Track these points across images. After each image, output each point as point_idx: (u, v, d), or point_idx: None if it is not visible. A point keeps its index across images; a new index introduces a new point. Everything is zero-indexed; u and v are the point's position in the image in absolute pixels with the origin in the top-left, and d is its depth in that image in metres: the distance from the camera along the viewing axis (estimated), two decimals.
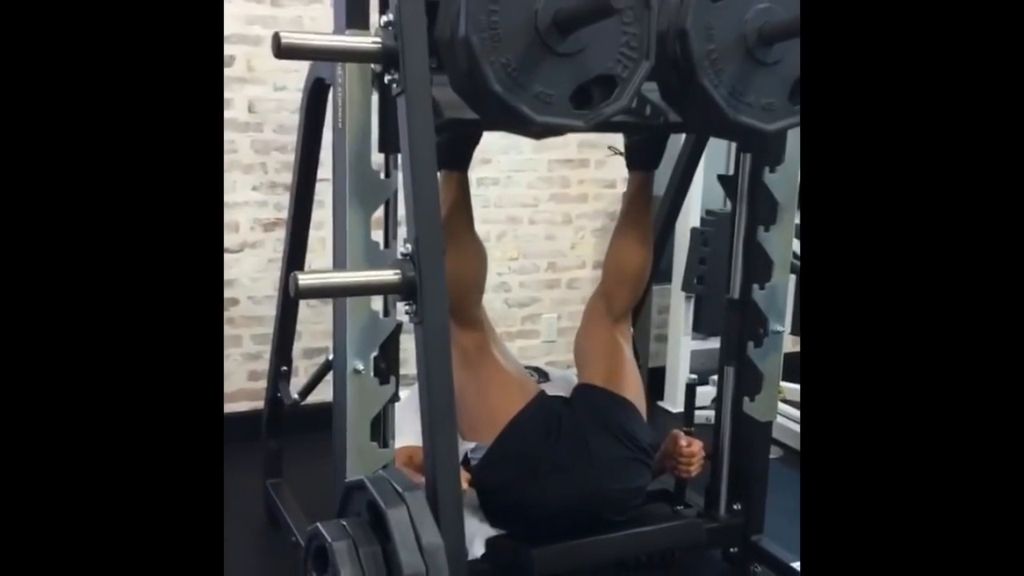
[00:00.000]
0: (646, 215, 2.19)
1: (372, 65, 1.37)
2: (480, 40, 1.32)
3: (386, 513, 1.16)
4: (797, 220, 2.03)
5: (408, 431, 1.76)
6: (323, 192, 2.05)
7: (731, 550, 2.17)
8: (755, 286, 2.00)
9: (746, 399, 2.03)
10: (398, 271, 1.28)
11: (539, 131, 1.45)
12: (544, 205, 3.36)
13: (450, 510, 1.26)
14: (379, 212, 1.56)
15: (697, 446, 2.07)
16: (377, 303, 1.61)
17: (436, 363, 1.28)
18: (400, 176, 1.55)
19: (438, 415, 1.28)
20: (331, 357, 1.68)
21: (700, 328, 3.42)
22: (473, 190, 2.05)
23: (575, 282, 3.49)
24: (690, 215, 3.15)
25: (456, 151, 1.96)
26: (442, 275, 1.29)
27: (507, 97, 1.35)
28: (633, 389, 2.08)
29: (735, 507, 2.12)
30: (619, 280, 2.17)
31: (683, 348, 3.44)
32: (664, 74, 1.55)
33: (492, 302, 3.21)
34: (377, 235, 1.54)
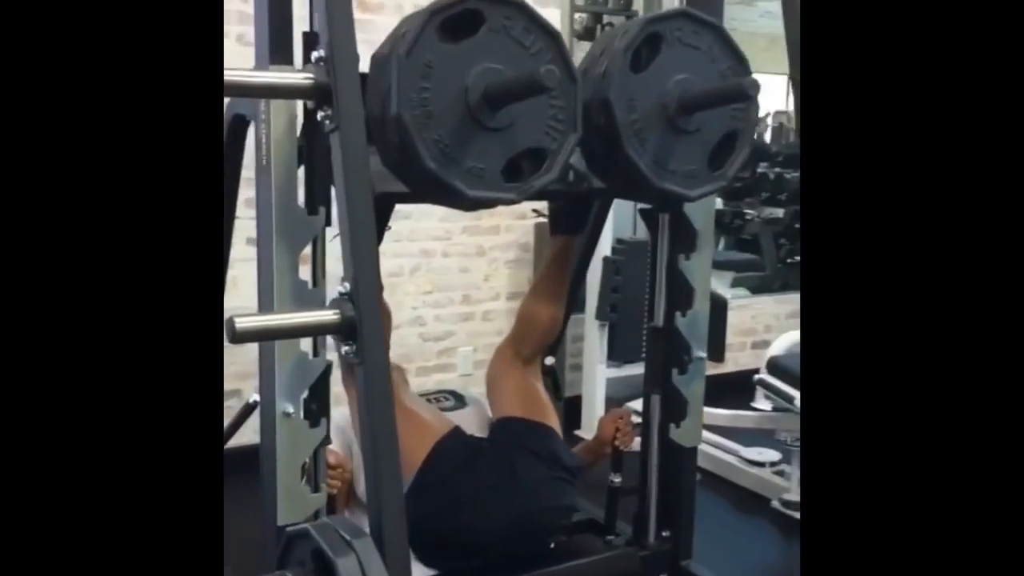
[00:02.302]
0: (564, 279, 2.29)
1: (305, 101, 1.35)
2: (412, 118, 1.33)
3: (335, 562, 1.12)
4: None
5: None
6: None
7: None
8: (677, 313, 2.03)
9: (672, 425, 2.06)
10: (337, 311, 1.25)
11: (471, 204, 1.47)
12: (457, 238, 3.36)
13: (398, 555, 1.23)
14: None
15: (626, 415, 2.23)
16: (306, 343, 1.57)
17: (378, 403, 1.25)
18: (324, 213, 1.54)
19: (382, 457, 1.25)
20: (253, 399, 1.62)
21: (614, 356, 3.47)
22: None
23: (490, 314, 3.49)
24: (601, 244, 3.20)
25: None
26: (379, 313, 1.27)
27: (441, 173, 1.36)
28: (551, 418, 2.12)
29: (664, 534, 2.13)
30: (530, 331, 2.26)
31: (598, 376, 3.48)
32: (589, 143, 1.58)
33: (407, 337, 3.18)
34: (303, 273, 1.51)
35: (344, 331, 1.24)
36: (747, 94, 1.55)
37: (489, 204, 1.49)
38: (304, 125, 1.50)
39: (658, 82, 1.59)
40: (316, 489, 1.59)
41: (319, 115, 1.28)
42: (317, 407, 1.55)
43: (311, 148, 1.51)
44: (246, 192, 1.65)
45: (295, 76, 1.27)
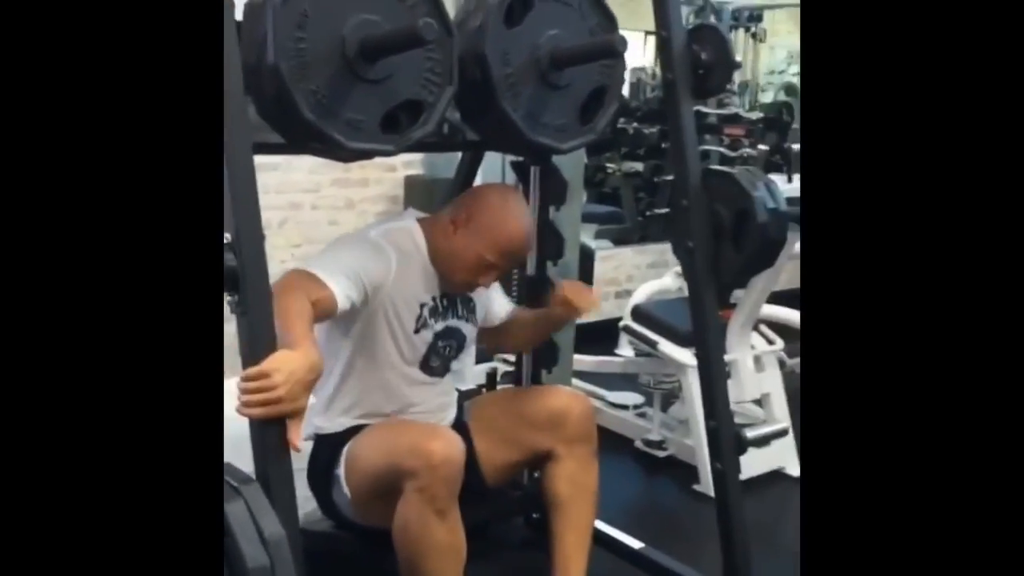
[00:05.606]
0: None
1: None
2: (289, 68, 1.34)
3: (224, 508, 1.13)
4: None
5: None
6: None
7: (533, 516, 2.28)
8: (549, 263, 2.10)
9: (544, 371, 2.14)
10: None
11: (350, 156, 1.48)
12: (326, 190, 3.33)
13: (284, 500, 1.25)
14: None
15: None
16: None
17: (262, 356, 1.26)
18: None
19: None
20: None
21: None
22: None
23: None
24: None
25: None
26: (264, 263, 1.27)
27: (319, 124, 1.37)
28: None
29: (535, 475, 2.22)
30: None
31: None
32: (464, 96, 1.60)
33: None
34: None
35: (226, 282, 1.24)
36: (616, 50, 1.62)
37: (367, 155, 1.50)
38: None
39: (531, 37, 1.64)
40: None
41: None
42: None
43: None
44: None
45: None
